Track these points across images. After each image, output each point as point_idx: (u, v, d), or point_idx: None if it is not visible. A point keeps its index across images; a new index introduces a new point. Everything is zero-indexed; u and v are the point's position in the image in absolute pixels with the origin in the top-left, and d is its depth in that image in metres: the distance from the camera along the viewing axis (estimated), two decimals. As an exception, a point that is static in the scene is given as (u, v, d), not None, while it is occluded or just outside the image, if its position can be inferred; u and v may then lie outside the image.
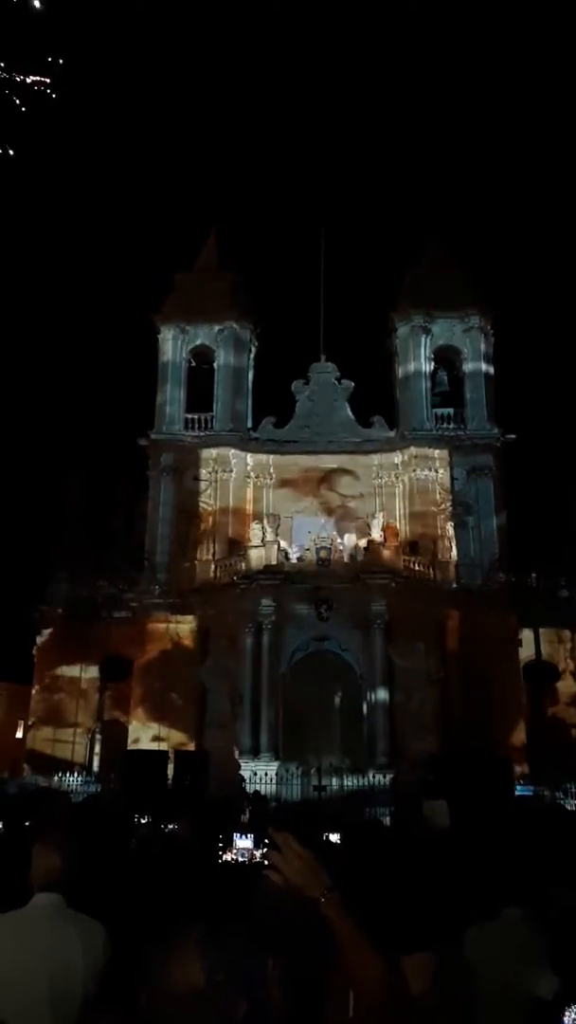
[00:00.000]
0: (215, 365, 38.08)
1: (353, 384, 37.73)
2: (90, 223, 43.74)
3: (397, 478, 35.93)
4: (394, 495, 35.67)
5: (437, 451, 35.51)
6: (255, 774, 27.20)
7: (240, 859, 7.15)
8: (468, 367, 37.31)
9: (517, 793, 22.38)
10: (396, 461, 36.02)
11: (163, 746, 28.69)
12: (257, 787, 25.21)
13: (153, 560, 34.60)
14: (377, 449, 36.39)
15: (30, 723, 33.67)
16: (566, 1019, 2.62)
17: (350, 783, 27.08)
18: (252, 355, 39.59)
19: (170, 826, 7.40)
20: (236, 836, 7.37)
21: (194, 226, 41.83)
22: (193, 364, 38.48)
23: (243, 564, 31.78)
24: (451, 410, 36.91)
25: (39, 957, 3.36)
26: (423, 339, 37.60)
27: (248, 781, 26.58)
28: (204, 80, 57.49)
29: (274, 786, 26.16)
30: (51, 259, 39.50)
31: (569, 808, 14.10)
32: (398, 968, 2.99)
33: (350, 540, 32.01)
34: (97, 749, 32.18)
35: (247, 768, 27.84)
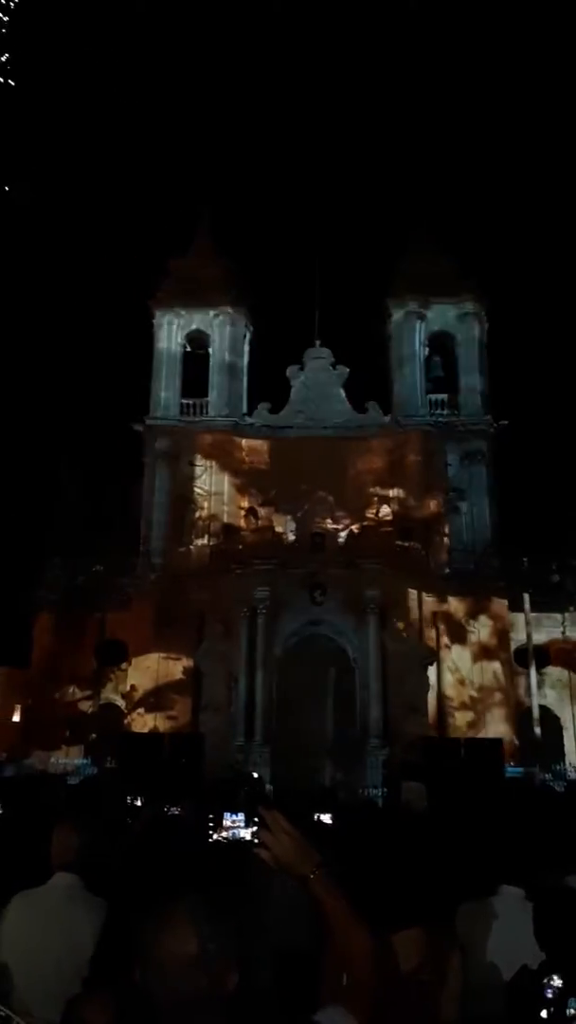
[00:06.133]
0: (210, 350, 37.99)
1: (348, 370, 37.70)
2: (83, 208, 43.33)
3: (391, 463, 36.00)
4: (388, 480, 35.76)
5: (430, 437, 35.57)
6: (249, 756, 27.46)
7: (230, 837, 7.31)
8: (462, 353, 37.32)
9: (507, 774, 22.66)
10: (390, 446, 36.08)
11: (160, 727, 28.92)
12: (251, 769, 25.46)
13: (148, 545, 34.71)
14: (372, 435, 36.45)
15: (27, 706, 33.87)
16: (569, 1012, 2.72)
17: (343, 765, 27.38)
18: (247, 340, 39.51)
19: (173, 809, 7.54)
20: (226, 815, 7.51)
21: (189, 211, 41.43)
22: (188, 349, 38.37)
23: (237, 549, 31.88)
24: (445, 396, 36.97)
25: (55, 934, 3.50)
26: (417, 325, 37.57)
27: (243, 763, 26.84)
28: (199, 64, 56.82)
29: (269, 768, 26.42)
30: (44, 244, 39.19)
31: (558, 789, 14.36)
32: (389, 944, 3.11)
33: (344, 525, 32.15)
34: (94, 732, 32.39)
35: (242, 751, 28.10)
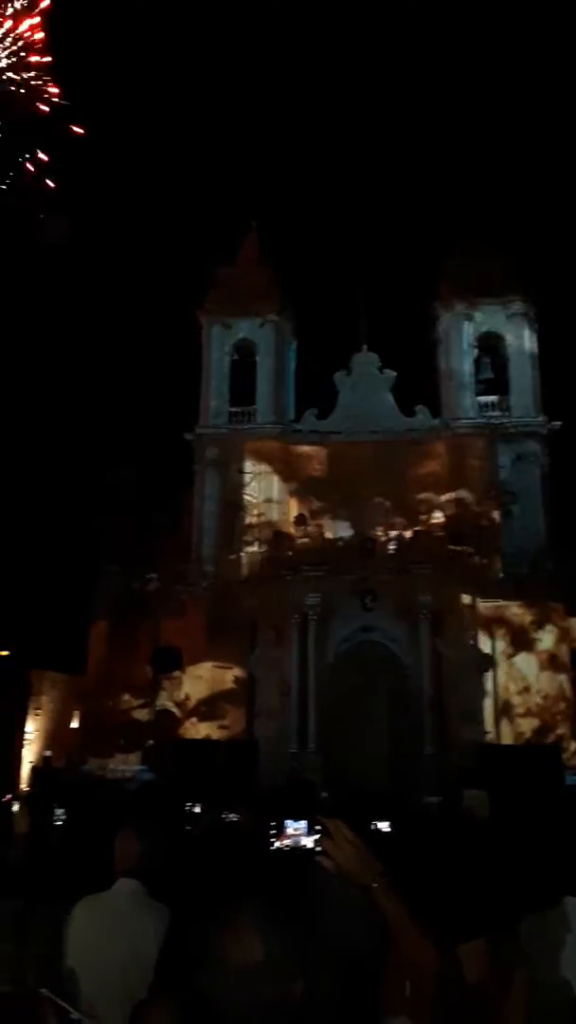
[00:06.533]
0: (257, 358, 38.23)
1: (395, 374, 37.48)
2: (131, 222, 44.12)
3: (442, 467, 35.61)
4: (439, 484, 35.36)
5: (481, 439, 35.10)
6: (303, 763, 27.42)
7: (292, 845, 7.30)
8: (512, 354, 36.75)
9: (568, 783, 22.16)
10: (441, 450, 35.71)
11: (214, 735, 29.11)
12: (305, 776, 25.43)
13: (200, 553, 35.05)
14: (421, 438, 36.12)
15: (84, 713, 34.45)
16: None
17: (398, 772, 27.12)
18: (294, 347, 39.69)
19: (230, 815, 7.58)
20: (288, 823, 7.50)
21: (234, 221, 41.84)
22: (236, 358, 38.68)
23: (288, 555, 31.94)
24: (495, 397, 36.44)
25: (119, 940, 3.56)
26: (465, 326, 37.15)
27: (297, 770, 26.82)
28: (240, 73, 57.36)
29: (322, 775, 26.33)
30: (93, 257, 40.04)
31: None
32: (453, 955, 3.07)
33: (394, 530, 31.91)
34: (150, 739, 32.77)
35: (295, 757, 28.08)
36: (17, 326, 37.20)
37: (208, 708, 32.06)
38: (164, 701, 33.46)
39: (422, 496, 34.64)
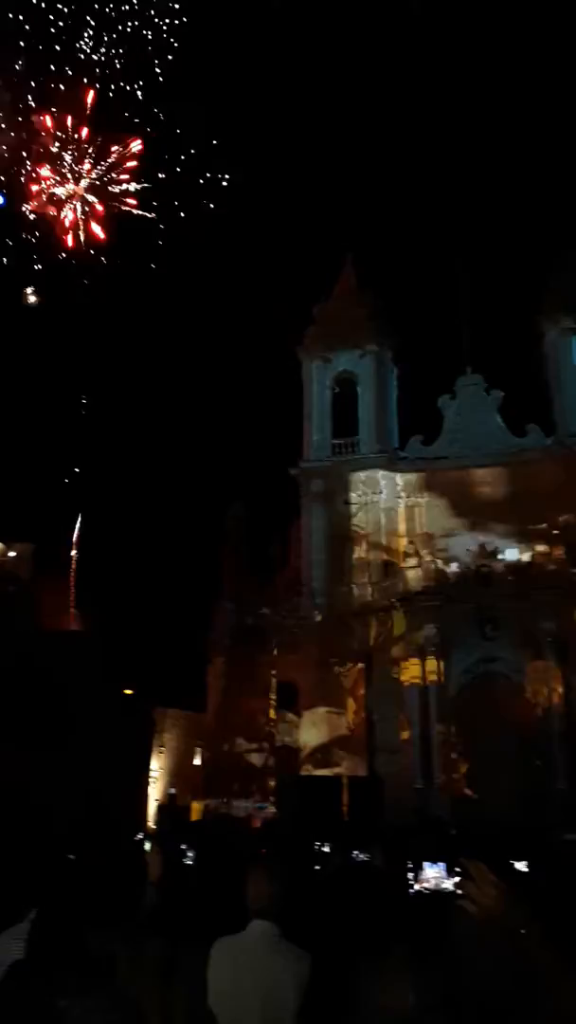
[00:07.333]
0: (358, 389, 38.35)
1: (502, 393, 36.60)
2: (228, 263, 45.61)
3: (559, 487, 34.19)
4: (557, 505, 33.93)
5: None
6: (429, 799, 26.60)
7: (432, 888, 7.04)
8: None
9: None
10: (556, 469, 34.35)
11: (335, 771, 28.76)
12: (431, 812, 24.65)
13: (310, 585, 35.09)
14: (534, 458, 34.93)
15: (206, 750, 34.93)
16: None
17: (528, 808, 25.83)
18: (395, 375, 39.57)
19: (360, 855, 7.41)
20: (427, 865, 7.25)
21: (329, 255, 42.51)
22: (337, 391, 38.96)
23: (400, 586, 31.45)
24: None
25: (254, 982, 3.50)
26: (573, 341, 35.95)
27: (423, 807, 26.03)
28: (329, 105, 58.60)
29: (449, 811, 25.44)
30: (191, 304, 41.62)
31: None
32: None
33: (511, 555, 30.84)
34: (271, 775, 32.79)
35: (421, 794, 27.28)
36: (128, 379, 39.03)
37: (328, 744, 31.80)
38: (284, 736, 33.43)
39: (538, 518, 33.36)
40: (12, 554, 32.07)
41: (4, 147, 19.40)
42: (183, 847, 7.68)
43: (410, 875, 7.08)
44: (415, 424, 38.11)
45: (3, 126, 19.20)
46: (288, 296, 41.12)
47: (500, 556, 30.64)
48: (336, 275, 41.18)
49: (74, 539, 38.41)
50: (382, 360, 38.60)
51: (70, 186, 20.05)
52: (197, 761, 35.79)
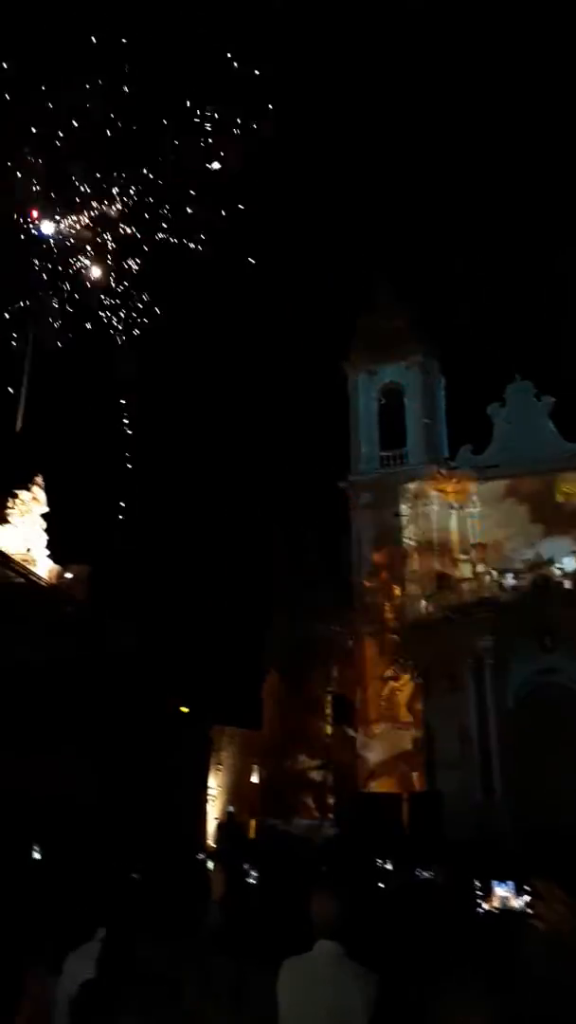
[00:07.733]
0: (405, 400, 38.22)
1: (554, 399, 35.98)
2: (269, 280, 45.96)
3: (615, 491, 33.43)
4: (614, 511, 33.14)
5: None
6: (490, 815, 26.03)
7: (501, 907, 6.88)
8: None
9: None
10: (612, 472, 33.57)
11: (393, 787, 28.39)
12: (494, 829, 24.11)
13: (363, 599, 34.90)
14: (587, 463, 34.21)
15: (263, 767, 34.88)
16: None
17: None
18: (442, 384, 39.33)
19: (424, 873, 7.30)
20: (495, 884, 7.09)
21: (369, 266, 42.45)
22: (383, 402, 38.88)
23: (455, 598, 31.01)
24: None
25: (323, 1003, 3.49)
26: (625, 341, 35.19)
27: (485, 823, 25.49)
28: (362, 121, 58.79)
29: (511, 826, 24.85)
30: (233, 326, 41.98)
31: None
32: None
33: (570, 563, 30.13)
34: (330, 792, 32.58)
35: (482, 809, 26.72)
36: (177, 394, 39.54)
37: (384, 771, 31.48)
38: (341, 753, 33.21)
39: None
40: (69, 575, 32.60)
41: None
42: (245, 866, 7.68)
43: (479, 894, 6.93)
44: (465, 432, 37.75)
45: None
46: (329, 310, 41.24)
47: (557, 565, 29.98)
48: (378, 286, 41.16)
49: (129, 559, 38.97)
50: (428, 370, 38.39)
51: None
52: (254, 778, 35.72)
